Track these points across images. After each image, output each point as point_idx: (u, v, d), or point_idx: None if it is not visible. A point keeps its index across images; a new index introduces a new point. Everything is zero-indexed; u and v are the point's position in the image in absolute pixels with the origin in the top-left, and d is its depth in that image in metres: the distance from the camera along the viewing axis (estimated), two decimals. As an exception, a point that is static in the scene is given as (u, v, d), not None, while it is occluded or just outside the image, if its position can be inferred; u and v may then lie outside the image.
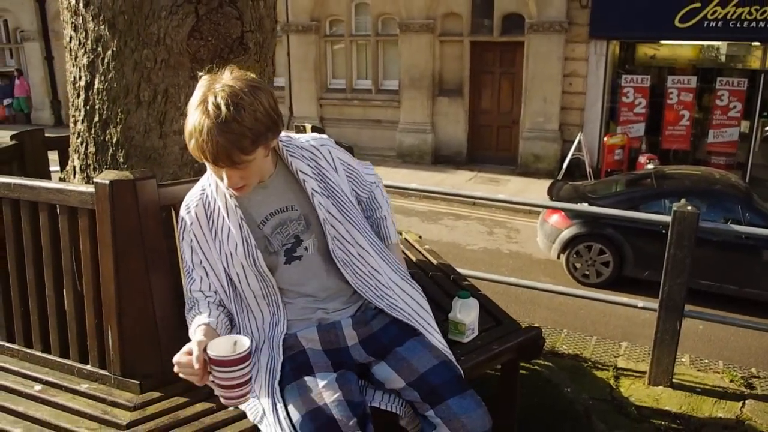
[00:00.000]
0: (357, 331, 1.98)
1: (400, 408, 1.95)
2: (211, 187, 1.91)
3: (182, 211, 1.94)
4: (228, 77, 1.70)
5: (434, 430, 1.83)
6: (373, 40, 14.74)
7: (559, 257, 8.17)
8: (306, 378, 1.82)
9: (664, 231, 7.04)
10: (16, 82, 19.75)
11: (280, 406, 1.79)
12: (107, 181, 2.07)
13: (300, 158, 1.94)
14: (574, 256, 8.03)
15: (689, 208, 3.75)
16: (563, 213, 8.06)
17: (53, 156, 3.56)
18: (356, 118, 14.86)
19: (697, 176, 8.91)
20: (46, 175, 3.44)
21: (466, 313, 2.46)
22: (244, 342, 1.65)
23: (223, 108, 1.62)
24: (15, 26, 19.49)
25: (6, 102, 20.00)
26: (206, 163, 1.72)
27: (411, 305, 2.07)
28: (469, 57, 13.82)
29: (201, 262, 1.92)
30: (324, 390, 1.77)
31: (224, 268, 1.90)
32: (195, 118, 1.65)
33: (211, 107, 1.63)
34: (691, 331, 6.32)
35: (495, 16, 13.35)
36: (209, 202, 1.90)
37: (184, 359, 1.70)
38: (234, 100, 1.63)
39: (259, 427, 1.86)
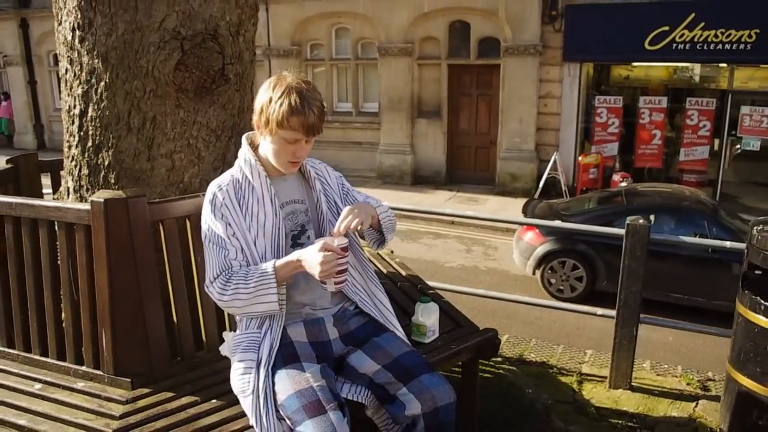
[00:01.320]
0: (337, 327, 2.30)
1: (366, 398, 2.22)
2: (243, 173, 2.19)
3: (214, 190, 2.18)
4: (292, 76, 2.10)
5: (404, 408, 2.10)
6: (353, 64, 15.09)
7: (534, 273, 8.43)
8: (294, 365, 2.11)
9: None
10: (2, 103, 19.89)
11: (269, 391, 2.07)
12: (102, 199, 2.32)
13: (311, 164, 2.34)
14: (549, 271, 8.30)
15: (641, 221, 4.04)
16: (537, 230, 8.34)
17: (45, 179, 3.80)
18: (337, 139, 15.14)
19: (667, 193, 9.23)
20: (40, 196, 3.67)
21: (427, 316, 2.72)
22: (341, 239, 2.08)
23: (314, 90, 2.09)
24: (-1, 51, 19.72)
25: (-10, 122, 20.15)
26: (294, 134, 2.06)
27: (378, 306, 2.41)
28: (447, 79, 14.19)
29: (234, 234, 2.14)
30: (310, 376, 2.06)
31: (251, 244, 2.15)
32: (291, 100, 2.02)
33: (303, 91, 2.04)
34: (661, 342, 6.61)
35: (471, 39, 13.74)
36: (240, 184, 2.18)
37: (323, 255, 2.02)
38: (314, 88, 2.11)
39: (241, 398, 2.14)
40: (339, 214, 2.26)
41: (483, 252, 10.17)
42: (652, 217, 8.00)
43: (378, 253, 3.92)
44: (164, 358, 2.49)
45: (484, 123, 14.33)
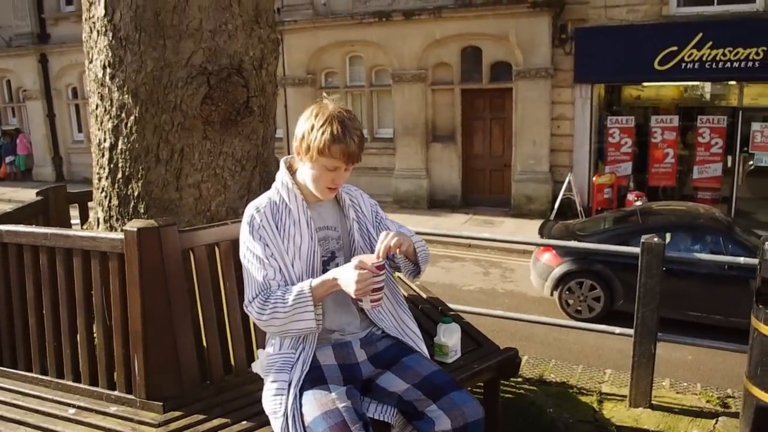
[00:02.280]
0: (365, 350, 2.36)
1: (392, 418, 2.28)
2: (281, 196, 2.27)
3: (252, 212, 2.24)
4: (333, 105, 2.18)
5: (433, 425, 2.16)
6: (367, 91, 15.29)
7: (552, 294, 8.44)
8: (321, 386, 2.17)
9: None
10: (17, 140, 20.31)
11: (297, 414, 2.14)
12: (135, 229, 2.42)
13: (346, 191, 2.40)
14: (567, 292, 8.32)
15: (656, 239, 4.09)
16: (554, 251, 8.37)
17: (73, 210, 3.92)
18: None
19: (682, 211, 9.24)
20: (68, 227, 3.79)
21: (449, 336, 2.79)
22: (371, 256, 2.15)
23: (354, 119, 2.16)
24: (18, 86, 20.18)
25: (8, 160, 20.56)
26: (335, 162, 2.13)
27: (406, 331, 2.47)
28: (460, 104, 14.34)
29: (273, 255, 2.21)
30: (336, 398, 2.12)
31: (288, 265, 2.22)
32: (333, 129, 2.10)
33: (344, 120, 2.12)
34: (681, 361, 6.60)
35: (484, 64, 13.91)
36: (278, 207, 2.25)
37: (358, 273, 2.08)
38: (355, 118, 2.19)
39: (272, 419, 2.21)
40: (371, 241, 2.34)
41: (500, 274, 10.21)
42: (668, 236, 8.03)
43: (399, 276, 3.99)
44: (194, 382, 2.57)
45: (498, 146, 14.44)
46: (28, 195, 3.74)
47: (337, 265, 2.31)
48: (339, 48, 15.22)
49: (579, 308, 8.25)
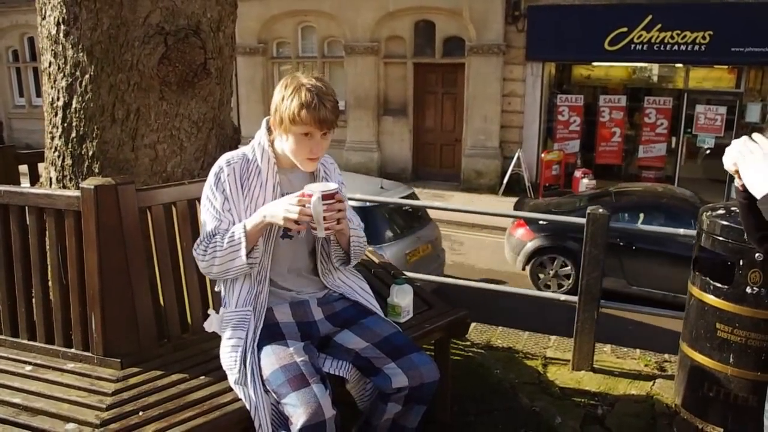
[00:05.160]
0: (322, 308, 2.44)
1: (346, 373, 2.37)
2: (255, 154, 2.29)
3: (222, 164, 2.27)
4: (304, 76, 2.19)
5: (390, 381, 2.26)
6: (320, 62, 15.21)
7: (524, 269, 8.59)
8: (279, 342, 2.25)
9: (620, 243, 7.62)
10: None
11: (256, 367, 2.21)
12: (92, 186, 2.42)
13: (322, 163, 2.41)
14: (538, 267, 8.49)
15: (600, 210, 4.24)
16: (528, 227, 8.53)
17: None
18: (304, 137, 15.18)
19: (655, 192, 9.46)
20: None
21: (402, 296, 2.88)
22: (329, 184, 2.21)
23: (327, 86, 2.17)
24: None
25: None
26: (307, 128, 2.14)
27: (362, 294, 2.57)
28: (412, 78, 14.42)
29: (230, 209, 2.25)
30: (294, 352, 2.20)
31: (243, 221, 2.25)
32: (302, 96, 2.11)
33: (313, 87, 2.13)
34: (623, 329, 6.87)
35: (437, 38, 13.98)
36: (250, 164, 2.28)
37: (296, 205, 2.10)
38: (327, 84, 2.19)
39: (229, 374, 2.27)
40: None
41: (449, 247, 10.36)
42: (641, 215, 8.24)
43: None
44: (152, 340, 2.60)
45: (449, 121, 14.58)
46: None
47: (298, 233, 2.35)
48: (291, 17, 15.07)
49: (548, 283, 8.44)
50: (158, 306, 2.64)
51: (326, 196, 2.10)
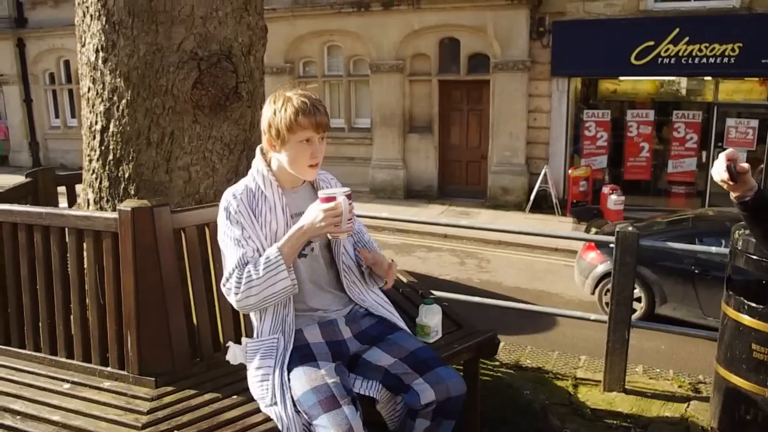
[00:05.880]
0: (350, 327, 2.46)
1: (377, 393, 2.39)
2: (256, 182, 2.32)
3: (229, 198, 2.29)
4: (288, 90, 2.26)
5: (419, 398, 2.26)
6: (345, 81, 15.33)
7: (593, 293, 8.37)
8: (310, 363, 2.26)
9: (695, 270, 7.42)
10: (-5, 124, 20.08)
11: (287, 388, 2.22)
12: (129, 208, 2.48)
13: (321, 177, 2.45)
14: (607, 292, 8.30)
15: (629, 229, 4.23)
16: (599, 250, 8.30)
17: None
18: (330, 155, 15.10)
19: (734, 217, 9.07)
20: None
21: (431, 317, 2.90)
22: (334, 189, 2.29)
23: (314, 95, 2.24)
24: (-6, 70, 19.86)
25: (-17, 144, 20.27)
26: (306, 133, 2.19)
27: (388, 309, 2.59)
28: (437, 95, 14.44)
29: (250, 237, 2.25)
30: (325, 373, 2.21)
31: (266, 248, 2.26)
32: (295, 104, 2.17)
33: (302, 95, 2.20)
34: (654, 351, 6.77)
35: (461, 55, 14.01)
36: (254, 193, 2.30)
37: (320, 208, 2.15)
38: (314, 94, 2.26)
39: (268, 411, 2.27)
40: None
41: (476, 264, 10.34)
42: (722, 242, 7.89)
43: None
44: (186, 359, 2.65)
45: (474, 138, 14.58)
46: (4, 180, 3.75)
47: (312, 250, 2.38)
48: (317, 37, 15.22)
49: None
50: (191, 325, 2.69)
51: (348, 196, 2.18)
